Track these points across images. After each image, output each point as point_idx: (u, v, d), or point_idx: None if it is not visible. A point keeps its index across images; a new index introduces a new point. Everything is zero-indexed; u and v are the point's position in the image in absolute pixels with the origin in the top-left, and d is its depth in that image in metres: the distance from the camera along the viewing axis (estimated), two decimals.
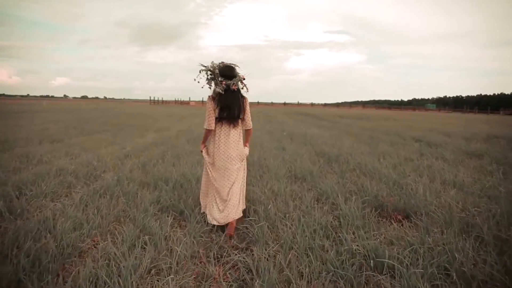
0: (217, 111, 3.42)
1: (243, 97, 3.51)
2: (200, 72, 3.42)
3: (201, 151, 3.70)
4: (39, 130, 12.67)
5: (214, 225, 3.54)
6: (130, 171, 5.78)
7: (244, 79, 3.49)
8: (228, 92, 3.39)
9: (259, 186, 4.86)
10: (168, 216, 3.73)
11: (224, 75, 3.40)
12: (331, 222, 3.56)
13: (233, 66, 3.48)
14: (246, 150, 3.71)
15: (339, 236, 3.23)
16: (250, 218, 3.63)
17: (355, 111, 57.12)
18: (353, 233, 3.29)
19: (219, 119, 3.45)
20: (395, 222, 3.80)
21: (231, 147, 3.51)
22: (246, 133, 3.71)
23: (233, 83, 3.39)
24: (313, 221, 3.50)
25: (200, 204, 3.84)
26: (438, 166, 6.47)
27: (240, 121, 3.54)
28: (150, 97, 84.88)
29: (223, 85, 3.37)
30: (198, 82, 3.42)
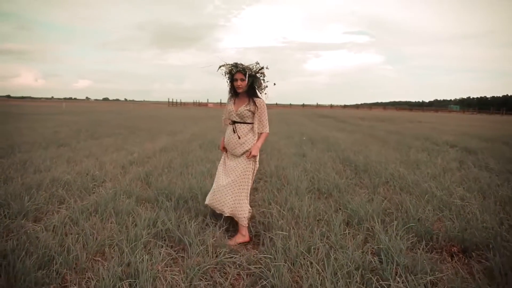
0: None
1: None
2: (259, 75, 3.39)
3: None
4: (50, 133, 12.28)
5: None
6: (130, 182, 5.11)
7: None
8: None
9: (277, 204, 4.09)
10: (162, 246, 3.01)
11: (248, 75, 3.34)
12: (370, 260, 2.76)
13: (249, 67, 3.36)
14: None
15: (381, 283, 2.43)
16: (265, 255, 2.85)
17: (376, 112, 55.60)
18: (400, 277, 2.49)
19: None
20: (448, 255, 2.98)
21: None
22: None
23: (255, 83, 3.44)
24: (346, 258, 2.71)
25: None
26: (486, 178, 5.54)
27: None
28: (168, 99, 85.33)
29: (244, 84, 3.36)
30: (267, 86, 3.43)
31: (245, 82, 3.29)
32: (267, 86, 3.40)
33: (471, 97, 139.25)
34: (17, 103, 65.03)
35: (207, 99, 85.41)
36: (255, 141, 3.39)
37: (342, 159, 7.20)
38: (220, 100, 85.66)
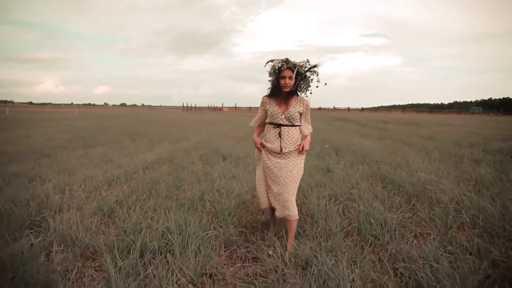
0: None
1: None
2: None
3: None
4: (42, 142, 11.08)
5: None
6: (90, 216, 3.63)
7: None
8: None
9: (296, 265, 2.53)
10: None
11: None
12: None
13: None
14: None
15: None
16: None
17: (396, 115, 53.27)
18: None
19: None
20: None
21: None
22: None
23: None
24: None
25: None
26: None
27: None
28: (183, 104, 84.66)
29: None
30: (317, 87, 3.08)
31: (293, 80, 2.97)
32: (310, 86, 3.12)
33: (493, 98, 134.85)
34: (35, 109, 65.43)
35: (222, 103, 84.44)
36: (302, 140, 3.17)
37: (379, 176, 5.54)
38: (235, 104, 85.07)
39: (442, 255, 2.69)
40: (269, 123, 3.11)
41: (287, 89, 2.99)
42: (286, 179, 3.02)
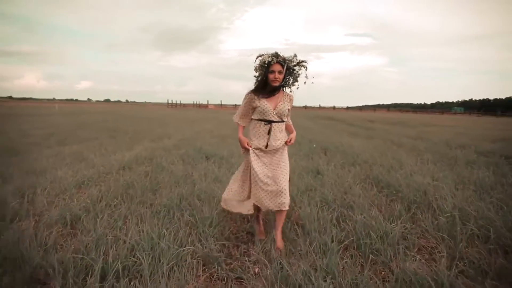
0: None
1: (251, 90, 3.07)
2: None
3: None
4: (17, 138, 10.46)
5: None
6: (46, 228, 3.14)
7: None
8: None
9: None
10: None
11: None
12: None
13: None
14: None
15: None
16: None
17: (381, 114, 53.53)
18: None
19: None
20: None
21: None
22: None
23: None
24: None
25: None
26: None
27: None
28: (168, 100, 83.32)
29: None
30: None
31: (282, 75, 2.93)
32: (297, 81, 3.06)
33: (473, 99, 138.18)
34: (15, 104, 63.35)
35: (207, 101, 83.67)
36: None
37: (373, 179, 5.18)
38: (221, 101, 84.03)
39: (457, 277, 2.32)
40: (259, 119, 3.00)
41: (276, 84, 2.93)
42: (282, 174, 2.99)
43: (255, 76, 3.04)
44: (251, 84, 3.07)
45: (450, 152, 8.15)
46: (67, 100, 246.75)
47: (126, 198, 4.07)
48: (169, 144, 9.37)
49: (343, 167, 6.19)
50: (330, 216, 3.44)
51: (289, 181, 3.10)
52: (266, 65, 2.90)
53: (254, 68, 3.00)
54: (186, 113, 38.42)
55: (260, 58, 2.95)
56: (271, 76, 2.90)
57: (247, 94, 3.01)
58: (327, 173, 5.49)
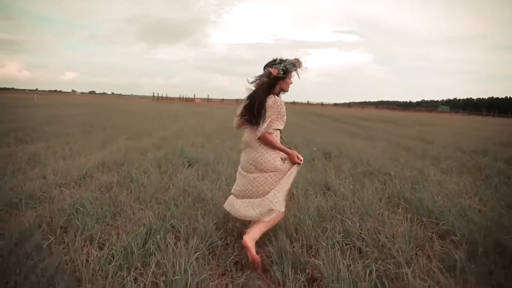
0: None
1: (268, 95, 2.74)
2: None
3: None
4: None
5: None
6: None
7: (271, 73, 2.73)
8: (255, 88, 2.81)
9: None
10: None
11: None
12: None
13: (277, 59, 2.80)
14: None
15: None
16: None
17: (371, 112, 52.93)
18: None
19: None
20: None
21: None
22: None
23: (259, 77, 2.80)
24: None
25: None
26: None
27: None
28: (153, 94, 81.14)
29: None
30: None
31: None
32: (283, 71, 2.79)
33: (458, 98, 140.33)
34: None
35: (194, 94, 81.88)
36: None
37: (400, 199, 4.05)
38: (208, 95, 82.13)
39: None
40: (278, 129, 2.80)
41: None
42: None
43: (258, 76, 2.79)
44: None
45: (469, 159, 7.13)
46: (50, 91, 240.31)
47: (65, 233, 2.87)
48: (147, 144, 8.14)
49: (356, 178, 5.09)
50: (368, 276, 2.29)
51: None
52: (287, 71, 2.76)
53: (274, 70, 2.72)
54: (171, 107, 36.90)
55: (289, 61, 2.77)
56: (289, 82, 2.82)
57: (279, 99, 2.78)
58: (339, 188, 4.37)
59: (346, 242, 2.80)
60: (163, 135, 10.30)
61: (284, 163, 2.79)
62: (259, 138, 2.69)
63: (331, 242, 2.73)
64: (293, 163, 2.79)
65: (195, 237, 2.72)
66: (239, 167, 2.93)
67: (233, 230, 3.19)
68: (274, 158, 2.73)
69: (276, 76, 2.71)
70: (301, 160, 2.79)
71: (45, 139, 8.69)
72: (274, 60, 2.78)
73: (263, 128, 2.65)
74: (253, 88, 2.79)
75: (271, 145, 2.72)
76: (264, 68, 2.80)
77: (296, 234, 2.95)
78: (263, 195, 2.71)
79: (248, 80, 2.81)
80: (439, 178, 5.13)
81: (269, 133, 2.70)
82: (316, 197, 4.01)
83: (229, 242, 2.93)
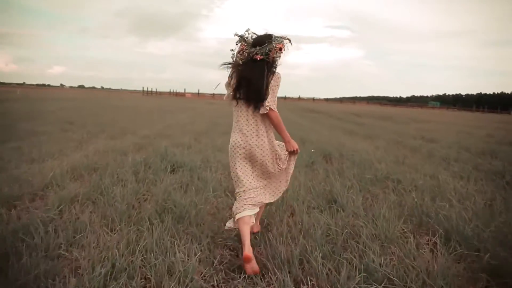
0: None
1: (271, 71, 2.53)
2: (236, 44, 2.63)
3: None
4: None
5: None
6: None
7: (280, 49, 2.53)
8: (248, 63, 2.52)
9: None
10: None
11: (254, 44, 2.56)
12: None
13: (271, 35, 2.59)
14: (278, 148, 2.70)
15: None
16: None
17: (362, 107, 52.47)
18: None
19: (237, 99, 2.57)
20: None
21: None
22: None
23: (256, 52, 2.47)
24: None
25: None
26: None
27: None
28: (143, 88, 79.61)
29: (244, 55, 2.54)
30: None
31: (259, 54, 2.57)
32: (281, 49, 2.63)
33: (447, 94, 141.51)
34: None
35: (184, 89, 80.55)
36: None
37: (422, 218, 3.41)
38: (198, 90, 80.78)
39: None
40: None
41: None
42: None
43: (255, 53, 2.50)
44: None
45: (480, 162, 6.54)
46: (38, 85, 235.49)
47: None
48: (128, 144, 7.39)
49: (364, 187, 4.43)
50: None
51: None
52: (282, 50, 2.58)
53: (269, 49, 2.50)
54: (160, 102, 35.92)
55: (282, 40, 2.59)
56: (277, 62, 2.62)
57: (278, 74, 2.57)
58: (347, 201, 3.70)
59: (368, 284, 2.13)
60: (148, 133, 9.55)
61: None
62: (267, 114, 2.51)
63: (351, 286, 2.06)
64: (289, 151, 2.69)
65: (171, 284, 2.02)
66: (237, 156, 2.63)
67: (222, 262, 2.51)
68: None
69: (280, 53, 2.56)
70: (297, 151, 2.70)
71: (16, 138, 7.89)
72: (270, 36, 2.57)
73: (272, 102, 2.47)
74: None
75: (278, 123, 2.55)
76: (257, 44, 2.53)
77: (303, 272, 2.28)
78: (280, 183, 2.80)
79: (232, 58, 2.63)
80: (456, 186, 4.50)
81: (277, 112, 2.57)
82: (321, 214, 3.35)
83: (215, 284, 2.24)
